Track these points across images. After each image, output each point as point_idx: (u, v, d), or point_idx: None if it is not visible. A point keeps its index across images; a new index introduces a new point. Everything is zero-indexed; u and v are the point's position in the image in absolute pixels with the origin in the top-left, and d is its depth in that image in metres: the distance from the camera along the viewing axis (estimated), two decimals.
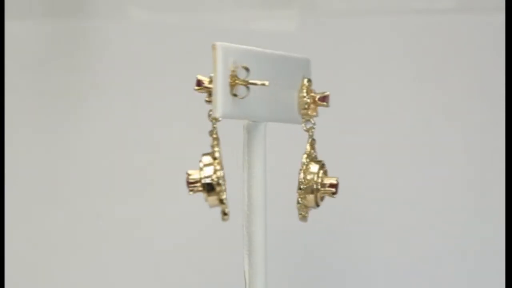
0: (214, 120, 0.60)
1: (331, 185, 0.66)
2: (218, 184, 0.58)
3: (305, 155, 0.67)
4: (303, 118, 0.68)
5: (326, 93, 0.67)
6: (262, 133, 0.65)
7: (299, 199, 0.67)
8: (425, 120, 1.07)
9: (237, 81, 0.59)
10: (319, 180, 0.66)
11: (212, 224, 1.07)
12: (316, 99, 0.67)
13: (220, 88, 0.58)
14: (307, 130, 0.68)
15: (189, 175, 0.60)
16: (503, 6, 0.95)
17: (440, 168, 1.07)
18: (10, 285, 1.07)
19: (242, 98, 0.60)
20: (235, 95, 0.59)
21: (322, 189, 0.66)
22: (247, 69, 0.60)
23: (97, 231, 1.09)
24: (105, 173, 1.09)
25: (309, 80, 0.68)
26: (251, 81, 0.59)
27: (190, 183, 0.60)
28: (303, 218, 0.67)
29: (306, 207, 0.67)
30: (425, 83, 1.07)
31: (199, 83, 0.61)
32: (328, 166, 0.67)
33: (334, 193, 0.66)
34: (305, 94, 0.67)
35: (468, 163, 1.06)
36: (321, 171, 0.67)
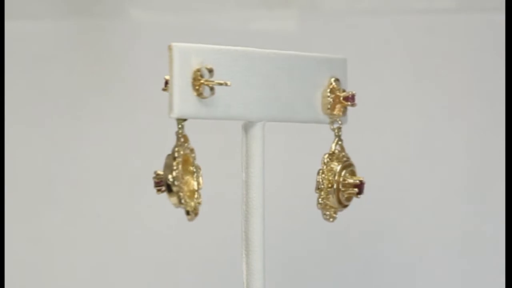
0: (179, 120, 0.61)
1: (355, 185, 0.65)
2: (174, 184, 0.59)
3: (326, 155, 0.66)
4: (330, 118, 0.66)
5: (350, 93, 0.65)
6: (259, 132, 0.64)
7: (320, 200, 0.66)
8: (425, 120, 1.07)
9: (201, 82, 0.60)
10: (341, 180, 0.65)
11: (212, 223, 1.07)
12: (341, 98, 0.66)
13: (176, 89, 0.60)
14: (333, 130, 0.66)
15: (157, 175, 0.60)
16: (503, 6, 0.95)
17: (440, 168, 1.07)
18: (10, 285, 1.07)
19: (205, 98, 0.60)
20: (200, 95, 0.60)
21: (344, 189, 0.65)
22: (210, 70, 0.60)
23: (97, 231, 1.09)
24: (105, 173, 1.10)
25: (336, 80, 0.66)
26: (216, 81, 0.60)
27: (156, 183, 0.60)
28: (330, 217, 0.66)
29: (332, 207, 0.66)
30: (425, 83, 1.07)
31: (166, 83, 0.62)
32: None
33: (358, 193, 0.65)
34: (328, 94, 0.66)
35: (468, 163, 1.06)
36: (345, 171, 0.66)
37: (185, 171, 0.60)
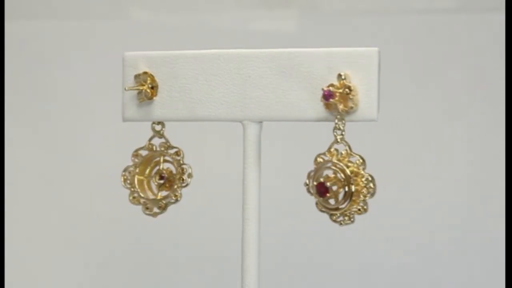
0: (152, 125, 0.67)
1: (316, 187, 0.62)
2: (127, 187, 0.68)
3: (320, 155, 0.63)
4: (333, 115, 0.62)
5: (327, 87, 0.61)
6: (255, 132, 0.64)
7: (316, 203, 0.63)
8: (425, 120, 1.07)
9: (130, 87, 0.66)
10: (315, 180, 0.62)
11: (213, 223, 1.07)
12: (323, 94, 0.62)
13: (125, 96, 0.66)
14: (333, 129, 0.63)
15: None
16: (503, 6, 0.95)
17: (440, 168, 1.07)
18: (10, 285, 1.07)
19: (140, 102, 0.65)
20: (140, 99, 0.65)
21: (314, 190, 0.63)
22: (136, 76, 0.65)
23: (96, 231, 1.09)
24: (105, 173, 1.10)
25: (341, 75, 0.61)
26: (134, 87, 0.65)
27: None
28: (342, 222, 0.63)
29: (331, 209, 0.63)
30: (425, 83, 1.07)
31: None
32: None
33: (318, 195, 0.62)
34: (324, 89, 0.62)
35: (468, 163, 1.06)
36: (324, 170, 0.62)
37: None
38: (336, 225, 0.64)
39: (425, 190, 1.07)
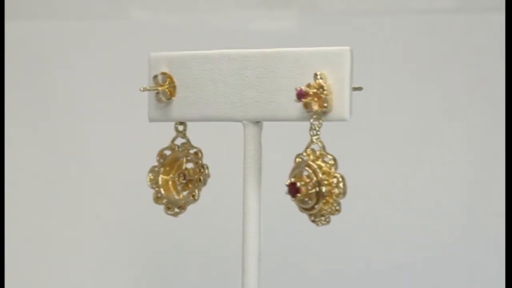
0: (175, 125, 0.67)
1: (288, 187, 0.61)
2: (152, 187, 0.69)
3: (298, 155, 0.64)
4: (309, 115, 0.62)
5: (300, 87, 0.61)
6: (255, 132, 0.65)
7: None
8: (425, 120, 1.07)
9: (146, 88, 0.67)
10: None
11: (213, 223, 1.07)
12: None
13: (150, 97, 0.67)
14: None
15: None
16: (503, 6, 0.95)
17: (440, 168, 1.07)
18: (10, 285, 1.07)
19: (161, 103, 0.66)
20: (159, 100, 0.66)
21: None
22: (154, 77, 0.66)
23: (97, 231, 1.09)
24: (105, 173, 1.10)
25: (316, 75, 0.61)
26: (156, 88, 0.67)
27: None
28: (319, 223, 0.63)
29: (307, 210, 0.63)
30: (425, 83, 1.07)
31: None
32: None
33: (290, 195, 0.61)
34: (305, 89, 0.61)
35: (468, 163, 1.06)
36: (297, 170, 0.62)
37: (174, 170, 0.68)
38: (330, 224, 0.64)
39: (425, 190, 1.07)
